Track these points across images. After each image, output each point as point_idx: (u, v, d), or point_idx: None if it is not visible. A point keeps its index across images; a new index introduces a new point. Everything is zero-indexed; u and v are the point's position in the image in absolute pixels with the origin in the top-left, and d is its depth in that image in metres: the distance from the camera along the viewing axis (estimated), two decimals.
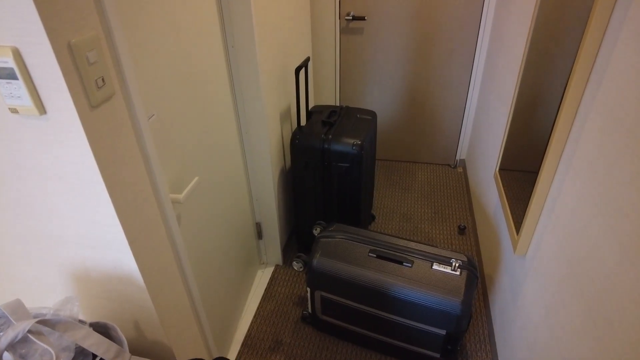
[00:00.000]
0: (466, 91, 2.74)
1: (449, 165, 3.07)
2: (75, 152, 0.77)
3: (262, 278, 2.14)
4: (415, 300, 1.44)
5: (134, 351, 1.17)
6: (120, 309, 1.08)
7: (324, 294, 1.65)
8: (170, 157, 1.17)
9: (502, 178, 1.70)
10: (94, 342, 0.86)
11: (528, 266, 1.38)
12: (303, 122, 2.04)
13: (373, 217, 2.53)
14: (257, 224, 2.05)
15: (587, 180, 0.99)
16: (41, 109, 0.72)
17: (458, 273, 1.46)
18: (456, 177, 2.94)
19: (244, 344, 1.80)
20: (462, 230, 2.38)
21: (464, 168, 2.98)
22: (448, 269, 1.48)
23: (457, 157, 3.01)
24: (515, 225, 1.46)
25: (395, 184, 2.88)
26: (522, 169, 1.47)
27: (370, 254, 1.57)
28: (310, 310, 1.77)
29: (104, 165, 0.79)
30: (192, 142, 1.29)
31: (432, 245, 1.59)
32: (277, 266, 2.21)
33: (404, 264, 1.52)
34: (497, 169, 1.80)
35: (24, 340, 0.81)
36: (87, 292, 1.09)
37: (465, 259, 1.52)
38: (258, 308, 1.97)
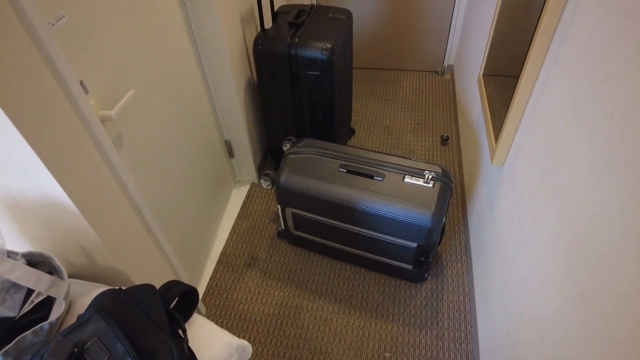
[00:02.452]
0: None
1: (436, 72, 2.87)
2: None
3: (237, 197, 2.08)
4: (386, 214, 1.39)
5: (88, 277, 1.13)
6: (62, 236, 1.01)
7: (294, 210, 1.60)
8: (96, 68, 1.01)
9: (486, 83, 1.55)
10: (21, 274, 0.80)
11: (505, 177, 1.30)
12: (268, 24, 1.82)
13: (353, 131, 2.41)
14: (226, 141, 1.93)
15: (571, 77, 0.86)
16: None
17: (430, 185, 1.39)
18: (443, 84, 2.76)
19: (219, 262, 1.79)
20: (444, 140, 2.28)
21: (452, 75, 2.79)
22: (420, 182, 1.41)
23: (445, 63, 2.81)
24: (495, 134, 1.36)
25: (377, 95, 2.72)
26: (506, 74, 1.32)
27: (340, 169, 1.48)
28: (283, 226, 1.74)
29: None
30: (125, 50, 1.11)
31: (406, 158, 1.50)
32: (252, 184, 2.14)
33: (375, 177, 1.44)
34: (481, 74, 1.64)
35: None
36: (24, 222, 1.01)
37: (439, 170, 1.44)
38: (233, 226, 1.94)
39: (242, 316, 1.60)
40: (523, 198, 1.11)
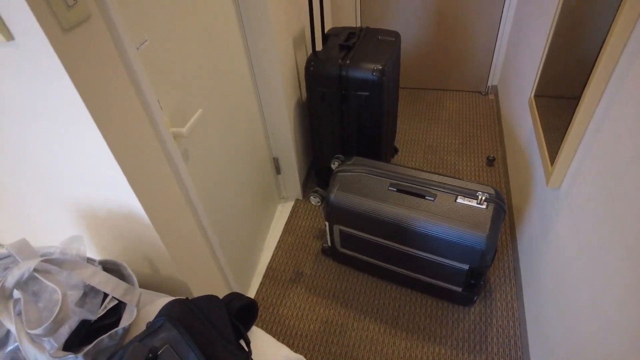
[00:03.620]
0: (501, 8, 2.45)
1: (479, 92, 2.86)
2: (53, 84, 0.69)
3: (282, 212, 2.13)
4: (438, 235, 1.38)
5: (149, 286, 1.18)
6: (131, 246, 1.07)
7: (342, 227, 1.62)
8: (169, 88, 1.08)
9: (538, 105, 1.54)
10: (101, 280, 0.85)
11: (562, 200, 1.27)
12: (319, 46, 1.88)
13: (396, 150, 2.42)
14: (274, 159, 1.99)
15: None
16: (7, 33, 0.63)
17: (484, 206, 1.38)
18: (487, 105, 2.74)
19: (266, 276, 1.83)
20: (490, 161, 2.25)
21: (496, 95, 2.77)
22: (473, 202, 1.40)
23: (489, 83, 2.79)
24: (549, 156, 1.34)
25: (420, 114, 2.72)
26: (560, 95, 1.31)
27: (390, 188, 1.49)
28: (329, 243, 1.76)
29: (88, 97, 0.72)
30: (194, 72, 1.19)
31: (457, 178, 1.50)
32: (297, 200, 2.18)
33: (426, 197, 1.44)
34: (533, 95, 1.62)
35: (32, 278, 0.81)
36: (97, 231, 1.08)
37: (492, 191, 1.43)
38: (279, 241, 1.97)
39: (288, 332, 1.62)
40: (584, 222, 1.08)
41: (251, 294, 1.76)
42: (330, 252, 1.84)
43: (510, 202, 2.01)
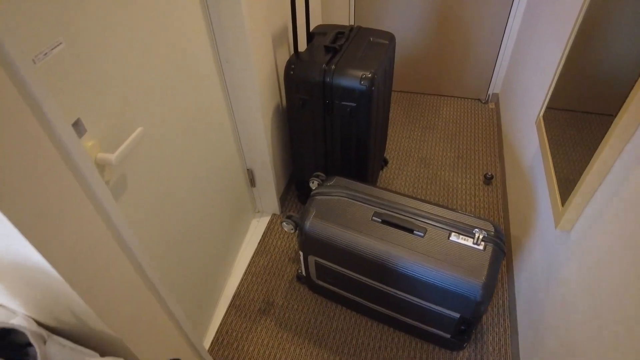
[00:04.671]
0: (508, 8, 2.24)
1: (479, 99, 2.65)
2: None
3: (257, 228, 1.92)
4: (426, 279, 1.18)
5: (77, 338, 0.97)
6: (47, 298, 0.86)
7: (318, 259, 1.41)
8: (99, 104, 0.86)
9: (547, 128, 1.34)
10: None
11: (573, 246, 1.08)
12: (302, 46, 1.66)
13: (385, 162, 2.21)
14: (248, 170, 1.77)
15: None
16: None
17: (481, 247, 1.18)
18: (487, 114, 2.53)
19: (232, 305, 1.62)
20: (488, 180, 2.05)
21: (497, 104, 2.56)
22: (469, 242, 1.20)
23: (490, 91, 2.58)
24: (559, 192, 1.14)
25: (414, 121, 2.51)
26: (577, 120, 1.10)
27: (374, 218, 1.29)
28: (304, 272, 1.55)
29: None
30: (136, 79, 0.96)
31: (451, 210, 1.30)
32: (273, 215, 1.97)
33: (415, 232, 1.24)
34: (541, 115, 1.42)
35: None
36: (6, 280, 0.86)
37: (491, 228, 1.23)
38: (250, 264, 1.77)
39: None
40: (603, 282, 0.89)
41: (214, 325, 1.55)
42: (304, 281, 1.64)
43: (508, 228, 1.82)
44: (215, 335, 1.53)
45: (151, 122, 1.03)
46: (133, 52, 0.94)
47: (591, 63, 1.10)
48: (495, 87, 2.55)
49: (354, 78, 1.45)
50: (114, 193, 0.94)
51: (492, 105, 2.59)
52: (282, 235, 1.88)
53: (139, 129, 0.93)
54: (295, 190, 2.06)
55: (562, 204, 1.10)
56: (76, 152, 0.70)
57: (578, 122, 1.10)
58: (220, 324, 1.56)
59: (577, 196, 1.02)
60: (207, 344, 1.50)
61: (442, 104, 2.64)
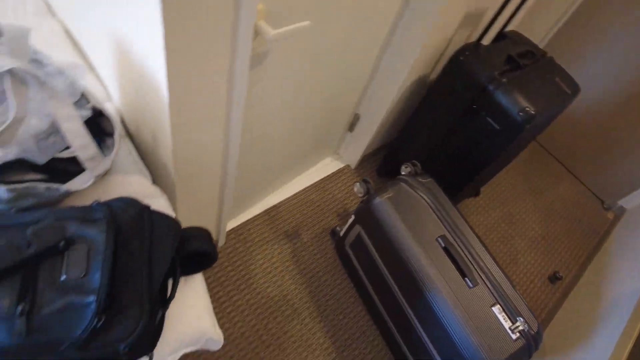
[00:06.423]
0: None
1: (601, 200, 2.37)
2: None
3: (326, 166, 1.90)
4: (446, 325, 1.13)
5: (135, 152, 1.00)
6: (140, 105, 0.88)
7: (363, 233, 1.39)
8: None
9: None
10: (72, 130, 0.68)
11: None
12: (487, 40, 1.51)
13: (477, 194, 2.08)
14: (355, 114, 1.72)
15: None
16: None
17: (514, 337, 1.10)
18: (599, 219, 2.28)
19: (266, 212, 1.66)
20: (554, 279, 1.88)
21: (617, 218, 2.28)
22: (507, 324, 1.12)
23: (621, 202, 2.29)
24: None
25: (527, 175, 2.31)
26: None
27: (438, 239, 1.22)
28: (341, 234, 1.54)
29: None
30: None
31: (509, 281, 1.21)
32: (347, 166, 1.94)
33: (466, 279, 1.17)
34: None
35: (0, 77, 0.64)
36: (113, 72, 0.90)
37: (535, 329, 1.14)
38: (301, 191, 1.78)
39: (243, 280, 1.48)
40: None
41: (241, 218, 1.61)
42: (335, 239, 1.64)
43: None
44: (239, 226, 1.58)
45: (318, 24, 0.99)
46: None
47: None
48: (629, 201, 2.26)
49: (515, 104, 1.31)
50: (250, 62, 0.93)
51: (610, 216, 2.32)
52: (342, 188, 1.86)
53: (307, 22, 0.89)
54: (379, 160, 2.00)
55: None
56: (247, 7, 0.68)
57: None
58: (248, 221, 1.61)
59: None
60: (228, 227, 1.56)
61: (564, 177, 2.40)
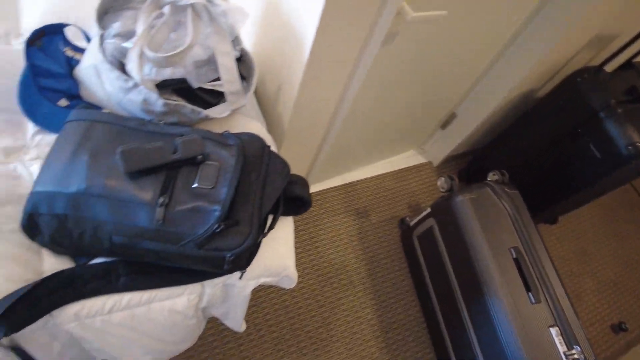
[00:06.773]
0: None
1: None
2: None
3: (408, 158, 1.95)
4: (500, 334, 1.15)
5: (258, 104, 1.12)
6: (270, 61, 0.99)
7: (435, 227, 1.43)
8: None
9: None
10: (225, 65, 0.79)
11: None
12: (611, 67, 1.45)
13: (555, 220, 2.01)
14: (452, 113, 1.73)
15: None
16: None
17: None
18: None
19: (344, 186, 1.75)
20: (619, 329, 1.79)
21: None
22: (562, 348, 1.12)
23: None
24: None
25: (613, 221, 2.18)
26: None
27: (510, 249, 1.24)
28: (412, 222, 1.59)
29: None
30: None
31: (574, 310, 1.19)
32: (429, 163, 1.97)
33: (530, 293, 1.18)
34: None
35: (183, 9, 0.76)
36: (262, 22, 1.00)
37: (592, 359, 1.12)
38: (379, 175, 1.84)
39: (310, 242, 1.58)
40: None
41: (322, 186, 1.71)
42: (403, 228, 1.68)
43: None
44: (318, 192, 1.68)
45: (453, 16, 1.03)
46: None
47: None
48: None
49: (625, 137, 1.27)
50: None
51: None
52: (419, 182, 1.89)
53: (444, 12, 0.94)
54: (462, 164, 2.00)
55: None
56: None
57: None
58: (327, 190, 1.70)
59: None
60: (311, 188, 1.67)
61: None
